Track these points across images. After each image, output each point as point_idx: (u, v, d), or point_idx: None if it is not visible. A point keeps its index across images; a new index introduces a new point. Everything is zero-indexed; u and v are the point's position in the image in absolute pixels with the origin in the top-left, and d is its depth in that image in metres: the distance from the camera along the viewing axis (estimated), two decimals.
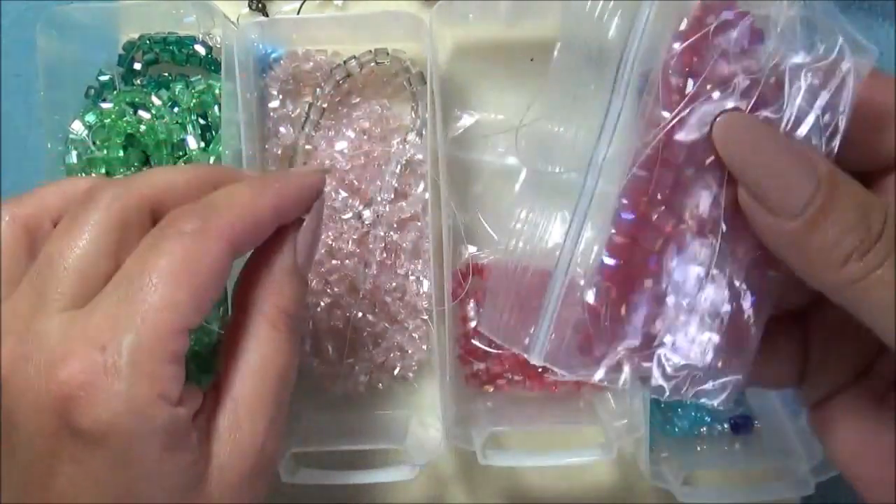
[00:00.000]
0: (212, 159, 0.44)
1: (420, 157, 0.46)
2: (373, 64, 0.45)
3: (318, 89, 0.46)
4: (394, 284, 0.46)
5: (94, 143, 0.45)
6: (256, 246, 0.28)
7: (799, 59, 0.23)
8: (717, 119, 0.23)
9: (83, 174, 0.44)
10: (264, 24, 0.44)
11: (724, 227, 0.24)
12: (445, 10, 0.42)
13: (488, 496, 0.47)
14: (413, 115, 0.47)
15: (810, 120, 0.23)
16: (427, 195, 0.45)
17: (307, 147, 0.46)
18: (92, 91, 0.47)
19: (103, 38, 0.48)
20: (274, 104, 0.47)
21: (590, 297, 0.25)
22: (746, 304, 0.25)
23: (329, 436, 0.43)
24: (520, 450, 0.46)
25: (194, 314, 0.24)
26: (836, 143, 0.23)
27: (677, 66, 0.24)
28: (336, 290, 0.46)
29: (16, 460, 0.23)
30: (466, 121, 0.46)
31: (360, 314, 0.45)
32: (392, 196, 0.46)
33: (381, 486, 0.47)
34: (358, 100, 0.47)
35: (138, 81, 0.47)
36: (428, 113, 0.43)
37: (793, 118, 0.23)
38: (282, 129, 0.46)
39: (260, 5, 0.47)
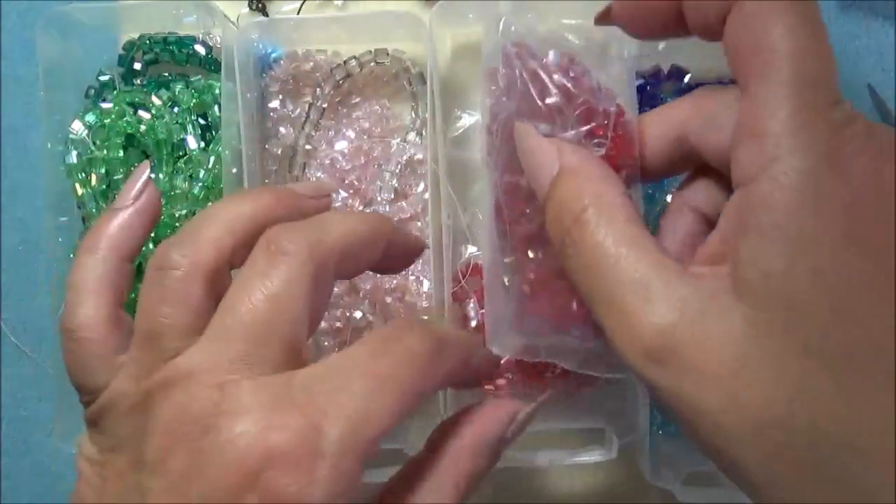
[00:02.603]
0: (212, 159, 0.44)
1: (420, 157, 0.46)
2: (373, 64, 0.45)
3: (318, 89, 0.46)
4: (394, 284, 0.46)
5: (94, 143, 0.45)
6: None
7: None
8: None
9: (83, 174, 0.44)
10: (264, 24, 0.44)
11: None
12: (445, 10, 0.42)
13: (488, 496, 0.47)
14: (413, 115, 0.47)
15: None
16: (427, 195, 0.45)
17: (307, 147, 0.46)
18: (92, 91, 0.47)
19: (103, 38, 0.48)
20: (274, 104, 0.47)
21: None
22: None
23: None
24: (520, 450, 0.46)
25: (398, 422, 0.24)
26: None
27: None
28: (336, 290, 0.46)
29: None
30: (466, 121, 0.46)
31: (359, 314, 0.46)
32: (392, 196, 0.46)
33: (380, 486, 0.46)
34: (358, 100, 0.47)
35: (138, 81, 0.47)
36: (428, 113, 0.43)
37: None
38: (282, 129, 0.46)
39: (260, 5, 0.47)
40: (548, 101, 0.30)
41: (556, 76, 0.32)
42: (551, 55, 0.31)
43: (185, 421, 0.22)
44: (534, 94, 0.31)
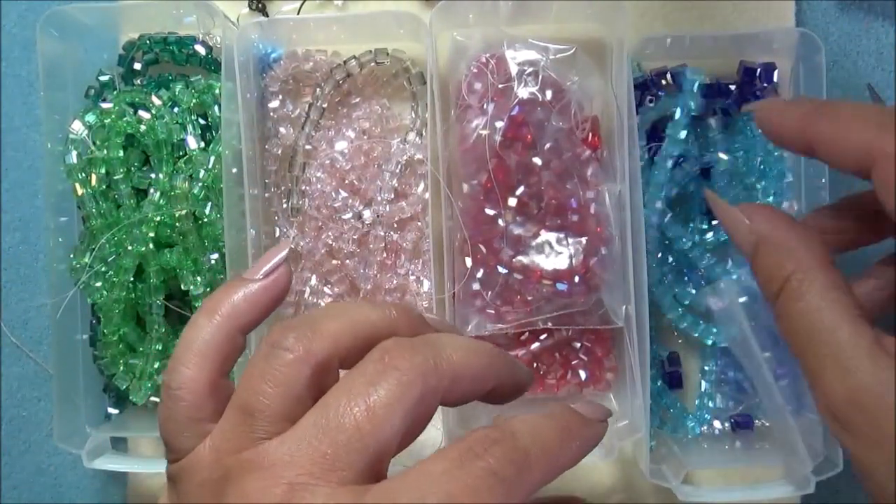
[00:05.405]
0: (212, 159, 0.44)
1: (420, 157, 0.46)
2: (373, 64, 0.45)
3: (318, 89, 0.46)
4: (394, 284, 0.46)
5: (94, 143, 0.45)
6: None
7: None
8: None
9: (83, 174, 0.44)
10: (264, 24, 0.44)
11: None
12: (445, 10, 0.42)
13: None
14: (413, 115, 0.47)
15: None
16: (427, 195, 0.45)
17: (307, 147, 0.46)
18: (92, 91, 0.47)
19: (103, 38, 0.48)
20: (274, 104, 0.47)
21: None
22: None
23: None
24: None
25: None
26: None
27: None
28: (336, 290, 0.46)
29: None
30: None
31: None
32: (392, 196, 0.46)
33: None
34: (358, 100, 0.47)
35: (138, 81, 0.47)
36: (428, 113, 0.43)
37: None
38: (282, 129, 0.46)
39: (260, 5, 0.47)
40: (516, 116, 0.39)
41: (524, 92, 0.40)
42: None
43: None
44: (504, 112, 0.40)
